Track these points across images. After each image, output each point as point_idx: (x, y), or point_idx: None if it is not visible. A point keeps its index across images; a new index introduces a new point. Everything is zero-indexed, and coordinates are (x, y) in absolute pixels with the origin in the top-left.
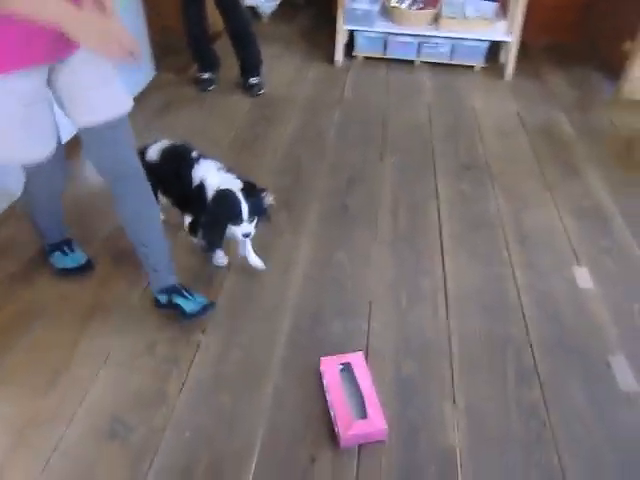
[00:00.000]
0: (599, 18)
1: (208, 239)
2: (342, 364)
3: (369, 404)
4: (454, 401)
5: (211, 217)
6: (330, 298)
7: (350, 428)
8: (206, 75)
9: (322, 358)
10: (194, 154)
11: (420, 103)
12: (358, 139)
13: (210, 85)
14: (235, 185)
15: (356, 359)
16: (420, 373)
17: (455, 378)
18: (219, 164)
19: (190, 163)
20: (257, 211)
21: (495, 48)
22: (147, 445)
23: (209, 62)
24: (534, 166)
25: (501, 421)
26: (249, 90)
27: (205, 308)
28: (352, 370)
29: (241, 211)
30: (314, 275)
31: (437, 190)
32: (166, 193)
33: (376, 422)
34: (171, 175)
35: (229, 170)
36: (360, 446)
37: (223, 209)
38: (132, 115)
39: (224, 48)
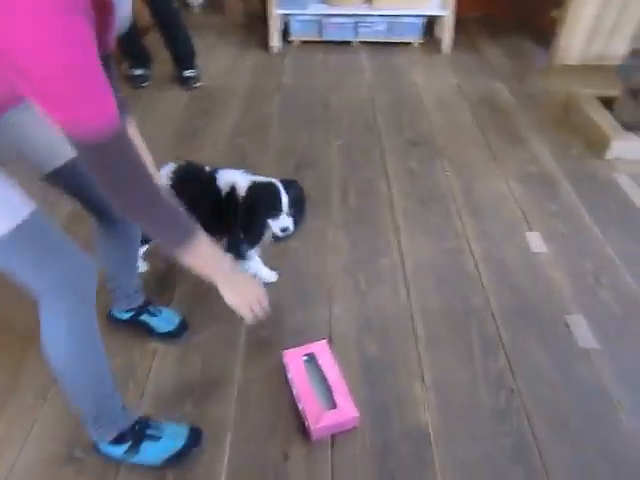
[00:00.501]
0: None
1: (247, 238)
2: (306, 355)
3: (337, 393)
4: (423, 379)
5: (248, 211)
6: (289, 288)
7: (320, 420)
8: (139, 71)
9: (285, 351)
10: (207, 168)
11: (361, 83)
12: (302, 124)
13: (144, 81)
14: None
15: (320, 348)
16: (386, 354)
17: (422, 356)
18: (239, 170)
19: (210, 176)
20: (296, 203)
21: (431, 23)
22: (107, 467)
23: (140, 57)
24: (478, 137)
25: (470, 394)
26: (185, 83)
27: (179, 329)
28: (317, 360)
29: (281, 200)
30: (270, 265)
31: (386, 169)
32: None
33: (346, 411)
34: (193, 196)
35: (254, 174)
36: (333, 436)
37: (261, 199)
38: None
39: (156, 42)
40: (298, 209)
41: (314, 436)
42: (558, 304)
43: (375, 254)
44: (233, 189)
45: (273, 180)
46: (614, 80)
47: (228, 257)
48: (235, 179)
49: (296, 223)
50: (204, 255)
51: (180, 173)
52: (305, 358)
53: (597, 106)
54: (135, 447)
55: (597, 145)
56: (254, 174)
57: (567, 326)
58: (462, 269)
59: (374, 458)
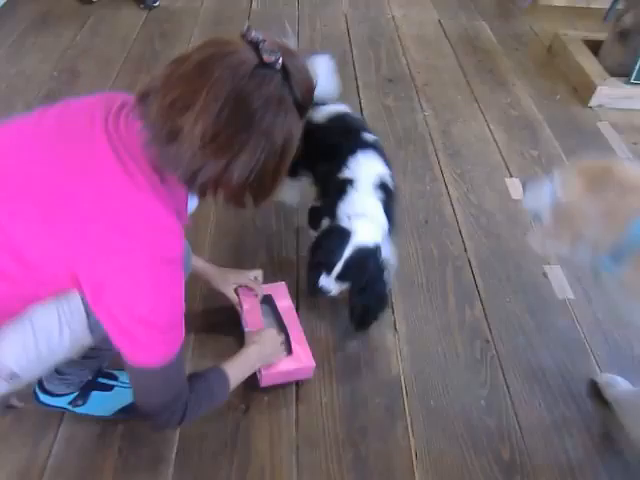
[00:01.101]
0: None
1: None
2: (263, 296)
3: (294, 339)
4: (395, 328)
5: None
6: (254, 229)
7: (271, 365)
8: None
9: (240, 289)
10: (366, 136)
11: (336, 13)
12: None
13: None
14: (372, 235)
15: (278, 290)
16: None
17: (395, 304)
18: (382, 166)
19: (355, 145)
20: (356, 273)
21: None
22: (50, 417)
23: None
24: (459, 77)
25: (445, 344)
26: (142, 1)
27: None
28: (273, 302)
29: (334, 260)
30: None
31: (361, 106)
32: (310, 166)
33: (302, 359)
34: (328, 147)
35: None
36: (298, 388)
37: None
38: None
39: None
40: (356, 278)
41: (263, 382)
42: (536, 254)
43: None
44: (350, 180)
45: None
46: (601, 23)
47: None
48: (358, 176)
49: (358, 296)
50: (244, 371)
51: (337, 119)
52: (260, 298)
53: (583, 50)
54: (82, 397)
55: (582, 90)
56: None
57: (545, 276)
58: (440, 214)
59: (342, 411)
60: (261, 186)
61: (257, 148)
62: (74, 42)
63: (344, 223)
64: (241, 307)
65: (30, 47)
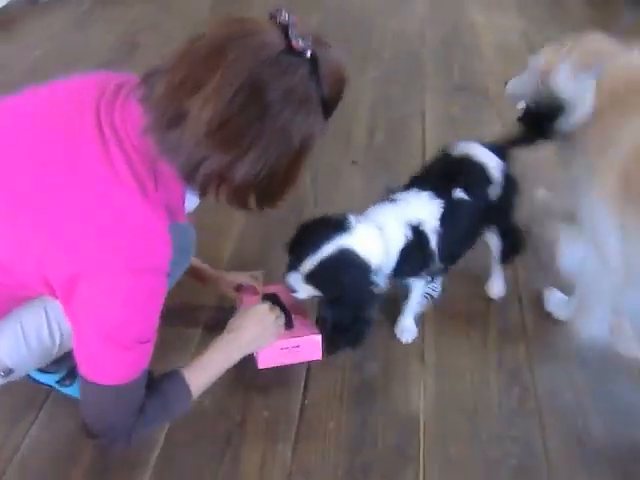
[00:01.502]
0: None
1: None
2: (266, 295)
3: (299, 320)
4: (423, 358)
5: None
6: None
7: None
8: None
9: (243, 288)
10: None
11: (413, 13)
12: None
13: None
14: (370, 248)
15: (285, 289)
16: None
17: (426, 331)
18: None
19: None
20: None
21: None
22: (36, 392)
23: None
24: None
25: (477, 385)
26: None
27: None
28: (279, 300)
29: (300, 251)
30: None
31: (423, 110)
32: None
33: (304, 331)
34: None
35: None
36: (302, 405)
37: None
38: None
39: None
40: (328, 285)
41: (261, 363)
42: None
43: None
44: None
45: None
46: None
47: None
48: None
49: (327, 308)
50: (211, 373)
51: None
52: (261, 295)
53: None
54: (71, 377)
55: None
56: None
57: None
58: None
59: (348, 441)
60: (269, 188)
61: (270, 145)
62: (141, 15)
63: (346, 220)
64: (240, 303)
65: (99, 17)
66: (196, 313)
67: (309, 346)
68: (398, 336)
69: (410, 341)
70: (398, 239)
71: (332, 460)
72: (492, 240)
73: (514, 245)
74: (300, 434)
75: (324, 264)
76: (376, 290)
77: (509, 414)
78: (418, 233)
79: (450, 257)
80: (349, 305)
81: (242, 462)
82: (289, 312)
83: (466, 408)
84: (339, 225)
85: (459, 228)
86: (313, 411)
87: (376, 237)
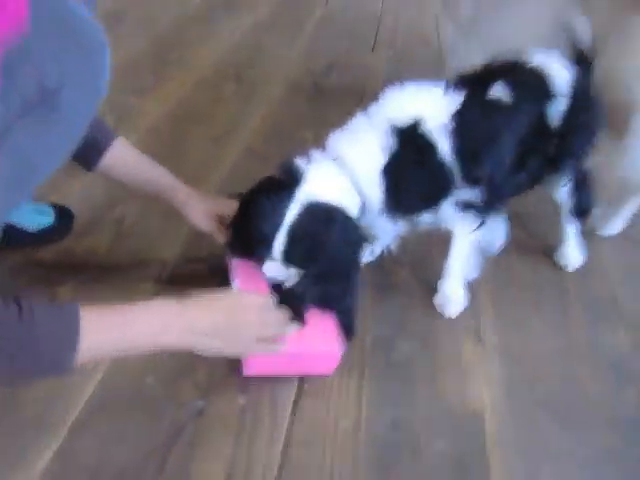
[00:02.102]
0: None
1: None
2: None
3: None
4: (479, 337)
5: None
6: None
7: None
8: None
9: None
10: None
11: (425, 12)
12: (344, 35)
13: None
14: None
15: None
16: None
17: (479, 302)
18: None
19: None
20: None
21: None
22: None
23: None
24: None
25: (568, 375)
26: None
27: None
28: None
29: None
30: (260, 151)
31: None
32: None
33: (319, 340)
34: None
35: None
36: (300, 390)
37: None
38: None
39: None
40: (309, 255)
41: (247, 369)
42: None
43: None
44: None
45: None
46: None
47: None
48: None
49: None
50: (124, 343)
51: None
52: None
53: None
54: None
55: None
56: None
57: None
58: None
59: (371, 448)
60: None
61: None
62: None
63: (293, 168)
64: (229, 262)
65: None
66: (160, 270)
67: (322, 360)
68: (439, 308)
69: (454, 315)
70: (372, 158)
71: (344, 477)
72: (556, 191)
73: (584, 198)
74: (294, 434)
75: (298, 230)
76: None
77: (623, 418)
78: (412, 137)
79: (488, 185)
80: (336, 276)
81: (193, 476)
82: (300, 307)
83: (554, 407)
84: (288, 180)
85: (494, 136)
86: (313, 404)
87: (335, 172)
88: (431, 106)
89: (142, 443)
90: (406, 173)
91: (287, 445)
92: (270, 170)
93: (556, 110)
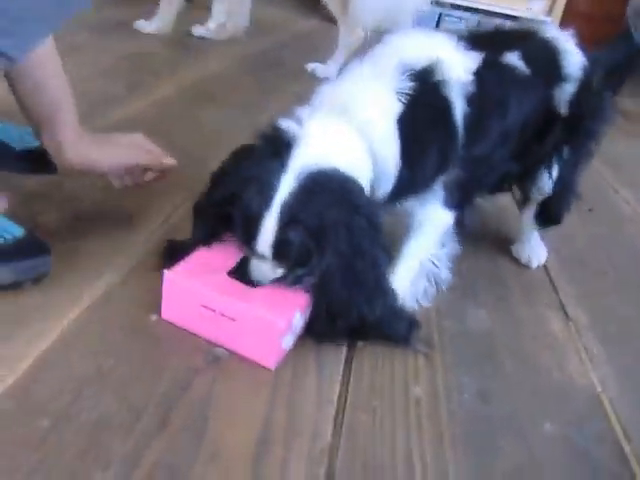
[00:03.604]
0: None
1: None
2: None
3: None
4: (566, 313)
5: None
6: None
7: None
8: None
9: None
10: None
11: None
12: None
13: None
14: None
15: None
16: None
17: (556, 281)
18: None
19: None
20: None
21: None
22: None
23: None
24: None
25: None
26: None
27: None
28: None
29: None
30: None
31: None
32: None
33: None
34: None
35: None
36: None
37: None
38: None
39: None
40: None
41: (165, 310)
42: None
43: None
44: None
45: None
46: None
47: None
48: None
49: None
50: None
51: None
52: None
53: None
54: None
55: None
56: None
57: None
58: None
59: (460, 437)
60: None
61: None
62: None
63: (282, 128)
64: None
65: None
66: (150, 216)
67: (258, 334)
68: (524, 260)
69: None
70: (386, 106)
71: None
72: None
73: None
74: (350, 401)
75: (290, 217)
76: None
77: None
78: (428, 85)
79: (480, 164)
80: (350, 262)
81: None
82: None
83: None
84: (274, 146)
85: (503, 102)
86: (371, 364)
87: (340, 128)
88: (448, 55)
89: (139, 396)
90: (422, 130)
91: (341, 410)
92: None
93: (566, 94)
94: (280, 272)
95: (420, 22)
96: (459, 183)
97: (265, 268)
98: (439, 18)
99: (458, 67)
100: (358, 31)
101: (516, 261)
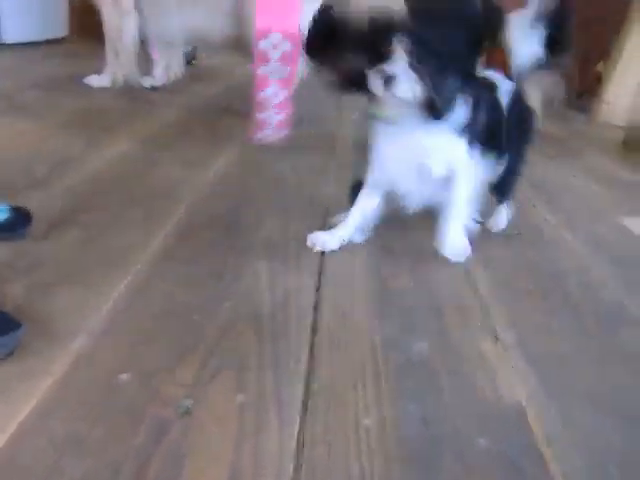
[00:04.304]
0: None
1: None
2: None
3: None
4: (496, 336)
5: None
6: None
7: None
8: None
9: None
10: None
11: None
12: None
13: None
14: None
15: None
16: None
17: (489, 303)
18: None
19: None
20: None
21: None
22: None
23: None
24: None
25: (602, 377)
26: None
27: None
28: None
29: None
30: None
31: None
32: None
33: None
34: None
35: None
36: (308, 387)
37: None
38: None
39: None
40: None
41: None
42: None
43: None
44: None
45: None
46: None
47: None
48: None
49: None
50: None
51: None
52: None
53: None
54: None
55: None
56: None
57: None
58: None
59: (407, 460)
60: None
61: None
62: None
63: None
64: None
65: None
66: (115, 273)
67: None
68: (441, 251)
69: (461, 259)
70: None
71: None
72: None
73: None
74: (307, 437)
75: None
76: None
77: None
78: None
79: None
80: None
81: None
82: None
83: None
84: None
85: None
86: (325, 403)
87: None
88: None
89: (117, 452)
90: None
91: (301, 445)
92: None
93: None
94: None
95: None
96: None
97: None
98: None
99: (505, 86)
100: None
101: (453, 287)
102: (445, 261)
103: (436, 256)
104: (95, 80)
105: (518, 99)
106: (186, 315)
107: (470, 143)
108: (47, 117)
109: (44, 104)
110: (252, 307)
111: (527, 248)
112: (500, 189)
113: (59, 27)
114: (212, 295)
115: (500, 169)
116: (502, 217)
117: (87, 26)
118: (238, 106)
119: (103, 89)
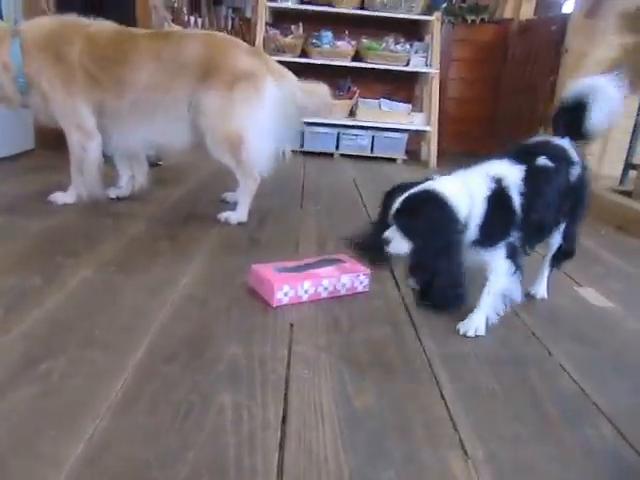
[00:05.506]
0: (504, 127)
1: None
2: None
3: None
4: (464, 451)
5: None
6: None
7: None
8: None
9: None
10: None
11: (344, 176)
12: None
13: None
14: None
15: None
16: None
17: (455, 416)
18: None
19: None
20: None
21: (416, 147)
22: None
23: None
24: None
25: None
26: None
27: None
28: None
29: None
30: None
31: None
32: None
33: None
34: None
35: None
36: None
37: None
38: None
39: None
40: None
41: None
42: None
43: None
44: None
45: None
46: None
47: None
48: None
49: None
50: None
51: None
52: None
53: None
54: None
55: None
56: None
57: None
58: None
59: None
60: None
61: None
62: None
63: (430, 177)
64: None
65: None
66: (80, 424)
67: None
68: (461, 331)
69: (477, 333)
70: (482, 188)
71: None
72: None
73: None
74: None
75: (410, 199)
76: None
77: None
78: (501, 186)
79: (533, 229)
80: (435, 250)
81: None
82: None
83: None
84: (424, 180)
85: (542, 194)
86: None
87: (460, 185)
88: (509, 171)
89: None
90: (495, 209)
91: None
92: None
93: (575, 171)
94: (396, 239)
95: (323, 141)
96: (517, 243)
97: (391, 230)
98: (338, 137)
99: (514, 176)
100: (255, 176)
101: (421, 402)
102: (410, 368)
103: (401, 365)
104: (60, 197)
105: (584, 166)
106: (145, 475)
107: (509, 255)
108: (8, 245)
109: (6, 230)
110: (216, 453)
111: (487, 337)
112: (558, 258)
113: (25, 141)
114: (174, 446)
115: (554, 242)
116: (544, 286)
117: (52, 139)
118: (203, 210)
119: (68, 206)
